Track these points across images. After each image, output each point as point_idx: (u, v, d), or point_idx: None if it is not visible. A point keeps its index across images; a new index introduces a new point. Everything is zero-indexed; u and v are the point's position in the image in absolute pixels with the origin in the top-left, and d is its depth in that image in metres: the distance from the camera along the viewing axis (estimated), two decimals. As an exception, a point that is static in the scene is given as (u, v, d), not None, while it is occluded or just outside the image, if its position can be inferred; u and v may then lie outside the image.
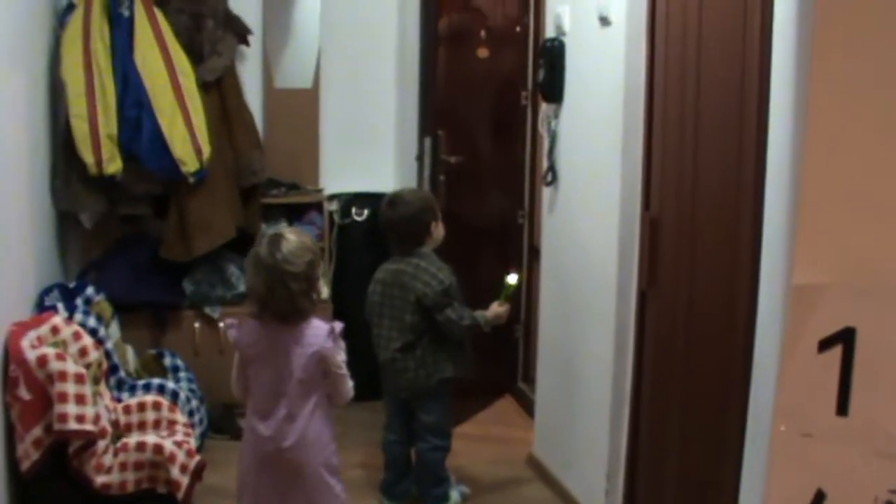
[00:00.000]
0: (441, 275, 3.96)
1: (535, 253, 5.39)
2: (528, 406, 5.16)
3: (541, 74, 4.30)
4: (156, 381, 4.29)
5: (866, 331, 1.90)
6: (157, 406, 3.96)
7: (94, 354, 3.77)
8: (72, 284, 4.34)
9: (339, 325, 3.29)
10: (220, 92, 5.00)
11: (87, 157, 4.46)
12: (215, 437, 4.74)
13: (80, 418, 3.38)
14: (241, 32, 5.15)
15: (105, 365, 3.92)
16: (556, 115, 4.24)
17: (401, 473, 4.20)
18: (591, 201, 3.99)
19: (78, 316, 4.06)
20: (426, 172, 5.03)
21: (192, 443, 3.80)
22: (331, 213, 5.38)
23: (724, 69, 3.09)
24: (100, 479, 3.51)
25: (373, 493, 4.21)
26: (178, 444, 3.67)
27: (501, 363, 5.61)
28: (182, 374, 4.63)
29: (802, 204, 1.99)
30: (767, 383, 2.64)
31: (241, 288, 5.07)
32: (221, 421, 4.81)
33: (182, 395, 4.30)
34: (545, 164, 4.36)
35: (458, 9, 5.31)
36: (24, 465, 3.40)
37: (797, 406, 1.97)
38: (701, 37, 3.21)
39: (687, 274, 3.34)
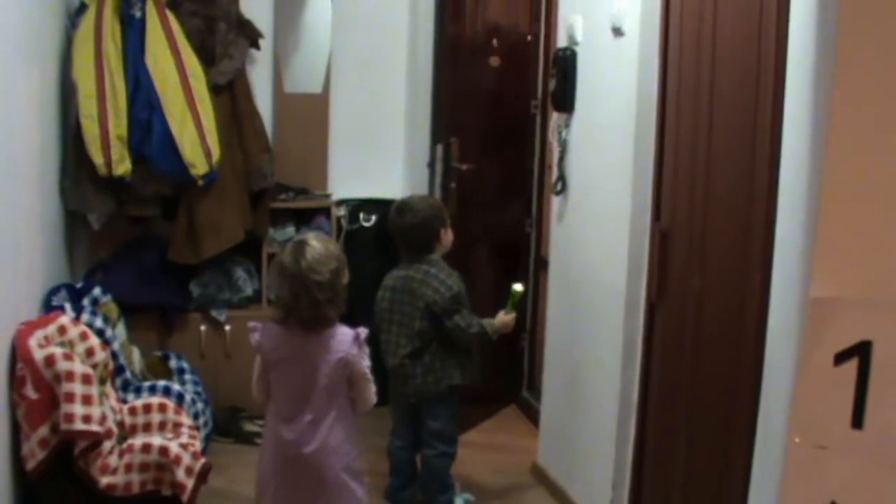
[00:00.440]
0: (450, 281, 3.96)
1: (541, 262, 5.39)
2: (532, 415, 5.16)
3: (552, 84, 4.30)
4: (161, 382, 4.29)
5: (883, 344, 1.89)
6: (162, 408, 3.96)
7: (100, 355, 3.77)
8: (79, 285, 4.35)
9: (364, 332, 3.29)
10: (231, 95, 5.01)
11: (97, 157, 4.47)
12: (220, 439, 4.74)
13: (87, 419, 3.38)
14: (252, 36, 5.16)
15: (111, 366, 3.93)
16: (567, 125, 4.24)
17: (406, 479, 4.19)
18: (600, 211, 3.99)
19: (85, 316, 4.06)
20: (438, 179, 5.03)
21: (198, 445, 3.80)
22: (339, 219, 5.38)
23: (738, 80, 3.08)
24: (105, 480, 3.50)
25: (378, 498, 4.20)
26: (184, 447, 3.66)
27: (506, 372, 5.61)
28: (188, 377, 4.63)
29: (821, 217, 1.98)
30: (778, 396, 2.64)
31: (249, 291, 5.09)
32: (226, 424, 4.82)
33: (187, 398, 4.30)
34: (555, 173, 4.36)
35: (471, 18, 5.31)
36: (30, 465, 3.39)
37: (812, 418, 1.96)
38: (715, 48, 3.21)
39: (696, 286, 3.33)
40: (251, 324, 3.36)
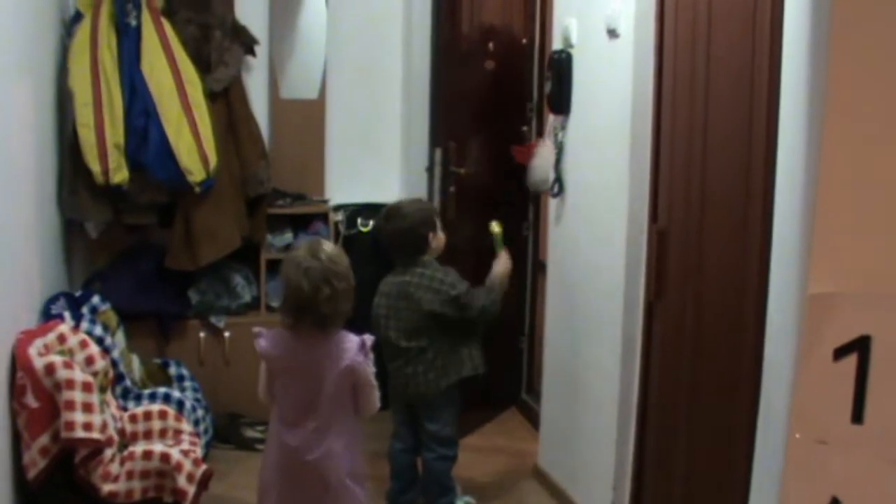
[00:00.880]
0: (448, 279, 3.99)
1: (540, 265, 5.40)
2: (532, 418, 5.16)
3: (548, 86, 4.31)
4: (161, 390, 4.29)
5: (882, 339, 1.90)
6: (163, 415, 3.96)
7: (100, 363, 3.77)
8: (77, 293, 4.35)
9: (370, 339, 3.30)
10: (227, 102, 5.01)
11: (94, 166, 4.47)
12: (220, 446, 4.74)
13: (88, 426, 3.38)
14: (248, 43, 5.16)
15: (111, 374, 3.93)
16: (564, 127, 4.25)
17: (407, 483, 4.20)
18: (597, 213, 4.00)
19: (84, 324, 4.06)
20: (437, 184, 5.04)
21: (199, 452, 3.80)
22: (336, 224, 5.38)
23: (733, 80, 3.09)
24: (106, 488, 3.50)
25: (379, 502, 4.20)
26: (185, 453, 3.67)
27: (506, 375, 5.61)
28: (187, 384, 4.64)
29: (818, 213, 1.99)
30: (778, 392, 2.65)
31: (247, 298, 5.09)
32: (226, 430, 4.82)
33: (188, 405, 4.30)
34: (552, 175, 4.36)
35: (467, 21, 5.31)
36: (31, 473, 3.39)
37: (812, 414, 1.97)
38: (710, 48, 3.22)
39: (694, 286, 3.34)
40: (256, 329, 3.35)
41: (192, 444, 3.85)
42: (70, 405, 3.36)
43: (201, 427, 4.37)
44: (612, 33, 3.78)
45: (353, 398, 3.31)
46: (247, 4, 5.23)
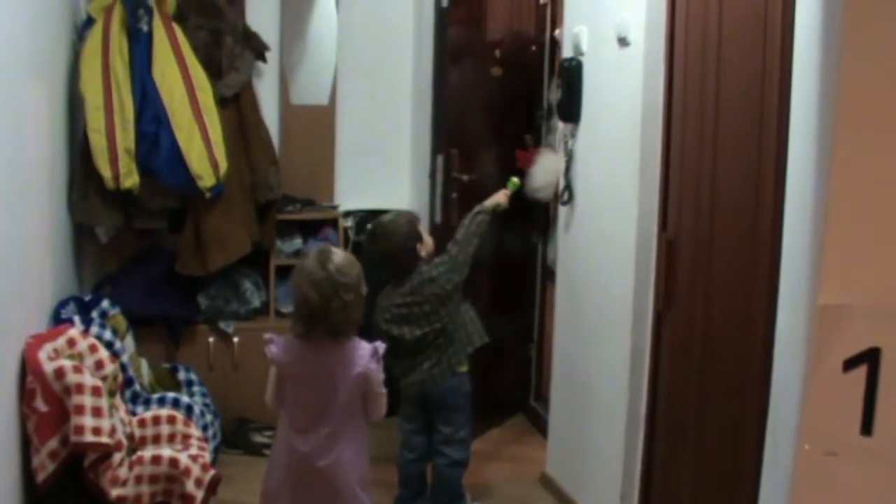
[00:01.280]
0: (441, 259, 4.05)
1: (549, 273, 5.40)
2: (540, 424, 5.16)
3: (558, 94, 4.32)
4: (170, 394, 4.30)
5: (892, 351, 1.90)
6: (171, 420, 3.96)
7: (109, 367, 3.77)
8: (87, 297, 4.36)
9: (381, 346, 3.31)
10: (238, 108, 5.02)
11: (105, 171, 4.48)
12: (229, 451, 4.75)
13: (97, 431, 3.39)
14: (258, 49, 5.18)
15: (120, 378, 3.93)
16: (574, 135, 4.26)
17: (416, 492, 4.20)
18: (607, 221, 4.00)
19: (94, 329, 4.07)
20: (438, 189, 5.04)
21: (207, 457, 3.81)
22: (346, 230, 5.39)
23: (743, 89, 3.09)
24: (115, 492, 3.51)
25: (385, 508, 4.22)
26: (194, 458, 3.67)
27: (514, 381, 5.61)
28: (196, 389, 4.64)
29: (829, 224, 1.99)
30: (787, 403, 2.64)
31: (256, 303, 5.10)
32: (235, 435, 4.83)
33: (196, 410, 4.30)
34: (562, 183, 4.37)
35: (473, 28, 5.32)
36: (40, 477, 3.40)
37: (821, 425, 1.96)
38: (720, 57, 3.22)
39: (703, 295, 3.34)
40: (266, 335, 3.35)
41: (201, 448, 3.86)
42: (79, 409, 3.37)
43: (210, 432, 4.38)
44: (623, 41, 3.79)
45: (363, 404, 3.32)
46: (258, 10, 5.26)
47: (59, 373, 3.39)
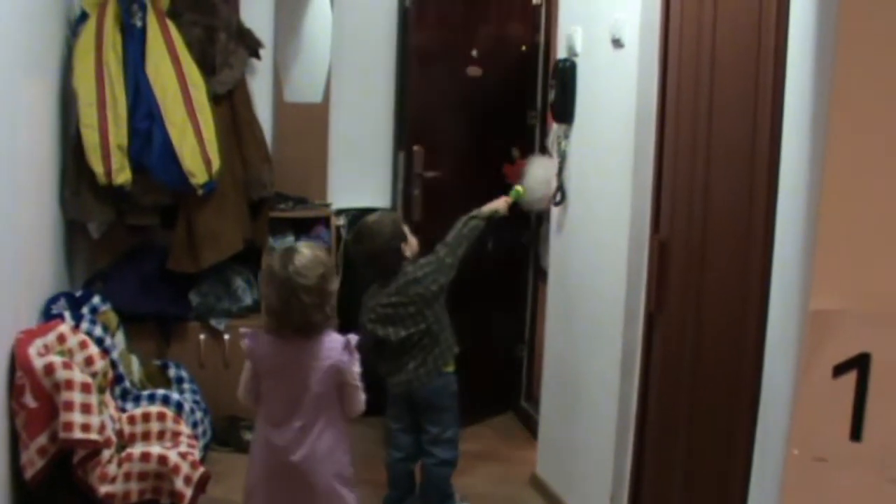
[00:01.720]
0: (430, 258, 4.04)
1: (540, 274, 5.40)
2: (530, 424, 5.16)
3: (552, 94, 4.32)
4: (160, 391, 4.29)
5: (882, 357, 1.90)
6: (161, 417, 3.96)
7: (99, 364, 3.77)
8: (78, 293, 4.35)
9: (354, 338, 3.33)
10: (231, 105, 5.01)
11: (97, 166, 4.47)
12: (219, 448, 4.74)
13: (86, 427, 3.38)
14: (252, 46, 5.16)
15: (111, 374, 3.92)
16: (567, 136, 4.25)
17: (404, 492, 4.20)
18: (599, 222, 4.00)
19: (84, 325, 4.06)
20: (399, 186, 5.14)
21: (196, 454, 3.80)
22: (338, 228, 5.38)
23: (737, 92, 3.09)
24: (104, 489, 3.50)
25: (374, 508, 4.22)
26: (183, 456, 3.67)
27: (505, 382, 5.62)
28: (186, 386, 4.63)
29: (820, 229, 1.99)
30: (777, 408, 2.64)
31: (248, 301, 5.09)
32: (225, 433, 4.82)
33: (186, 407, 4.30)
34: (554, 184, 4.36)
35: (445, 27, 5.30)
36: (29, 473, 3.39)
37: (811, 430, 1.97)
38: (714, 59, 3.22)
39: (695, 298, 3.34)
40: (243, 329, 3.43)
41: (191, 446, 3.85)
42: (69, 406, 3.36)
43: (200, 429, 4.37)
44: (617, 43, 3.79)
45: (339, 399, 3.34)
46: (252, 7, 5.24)
47: (49, 369, 3.38)
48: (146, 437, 3.90)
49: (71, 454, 3.42)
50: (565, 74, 4.20)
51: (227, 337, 4.98)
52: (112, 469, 3.55)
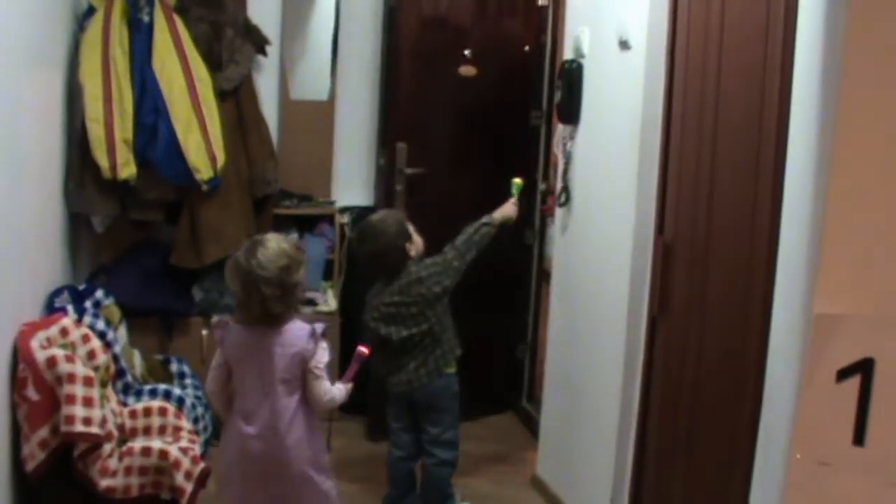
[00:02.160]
0: (437, 260, 4.03)
1: (544, 274, 5.40)
2: (532, 426, 5.16)
3: (558, 95, 4.31)
4: (162, 386, 4.29)
5: (886, 362, 1.90)
6: (162, 412, 3.96)
7: (102, 357, 3.77)
8: (81, 287, 4.34)
9: (320, 327, 3.40)
10: (237, 101, 5.01)
11: (102, 161, 4.47)
12: (219, 444, 4.73)
13: (87, 421, 3.38)
14: (259, 42, 5.16)
15: (113, 368, 3.93)
16: (573, 137, 4.25)
17: (404, 491, 4.19)
18: (604, 224, 4.00)
19: (87, 318, 4.06)
20: (382, 181, 5.18)
21: (197, 449, 3.80)
22: (342, 226, 5.38)
23: (743, 96, 3.09)
24: (104, 483, 3.50)
25: (375, 507, 4.22)
26: (184, 451, 3.67)
27: (506, 382, 5.62)
28: (188, 381, 4.63)
29: (825, 233, 1.99)
30: (780, 412, 2.64)
31: (250, 297, 5.07)
32: (226, 430, 4.81)
33: (188, 402, 4.30)
34: (559, 185, 4.36)
35: (434, 27, 5.30)
36: (29, 466, 3.39)
37: (814, 435, 1.97)
38: (721, 62, 3.22)
39: (699, 300, 3.34)
40: (215, 318, 3.53)
41: (191, 441, 3.85)
42: (70, 399, 3.36)
43: (201, 425, 4.37)
44: (624, 44, 3.78)
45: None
46: (259, 4, 5.23)
47: (51, 362, 3.39)
48: (147, 431, 3.90)
49: (72, 447, 3.42)
50: (572, 75, 4.19)
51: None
52: (113, 463, 3.55)
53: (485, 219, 4.11)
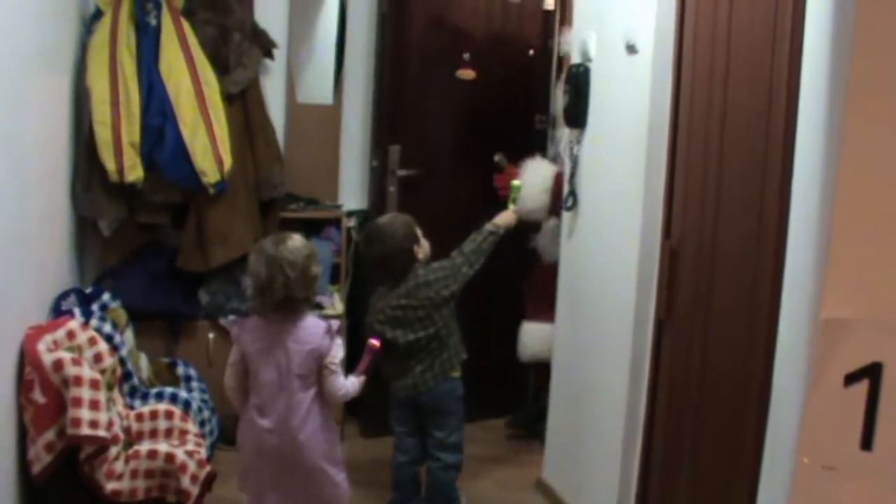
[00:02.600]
0: (444, 264, 4.04)
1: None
2: (537, 429, 5.14)
3: (565, 99, 4.31)
4: (169, 389, 4.29)
5: (893, 366, 1.90)
6: (169, 415, 3.96)
7: (108, 360, 3.77)
8: (88, 290, 4.35)
9: (335, 323, 3.51)
10: (244, 104, 5.02)
11: (109, 164, 4.47)
12: (226, 448, 4.72)
13: (94, 424, 3.38)
14: (266, 46, 5.17)
15: (119, 371, 3.93)
16: (579, 141, 4.25)
17: (409, 495, 4.20)
18: (610, 228, 3.99)
19: (94, 321, 4.06)
20: (380, 184, 5.21)
21: (203, 453, 3.80)
22: (348, 230, 5.38)
23: (750, 101, 3.09)
24: (110, 486, 3.50)
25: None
26: (190, 454, 3.66)
27: (511, 384, 5.61)
28: (195, 384, 4.63)
29: (833, 237, 1.98)
30: (787, 416, 2.64)
31: (257, 300, 5.08)
32: (233, 432, 4.78)
33: (194, 405, 4.29)
34: (566, 188, 4.36)
35: (430, 31, 5.30)
36: (36, 469, 3.39)
37: (821, 439, 1.96)
38: (728, 68, 3.22)
39: (705, 305, 3.34)
40: (230, 318, 3.55)
41: (198, 444, 3.85)
42: (77, 402, 3.36)
43: (207, 428, 4.37)
44: (631, 49, 3.78)
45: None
46: (266, 8, 5.24)
47: (58, 365, 3.39)
48: (153, 434, 3.90)
49: (78, 450, 3.42)
50: (579, 79, 4.19)
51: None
52: (119, 466, 3.55)
53: (491, 227, 4.12)
